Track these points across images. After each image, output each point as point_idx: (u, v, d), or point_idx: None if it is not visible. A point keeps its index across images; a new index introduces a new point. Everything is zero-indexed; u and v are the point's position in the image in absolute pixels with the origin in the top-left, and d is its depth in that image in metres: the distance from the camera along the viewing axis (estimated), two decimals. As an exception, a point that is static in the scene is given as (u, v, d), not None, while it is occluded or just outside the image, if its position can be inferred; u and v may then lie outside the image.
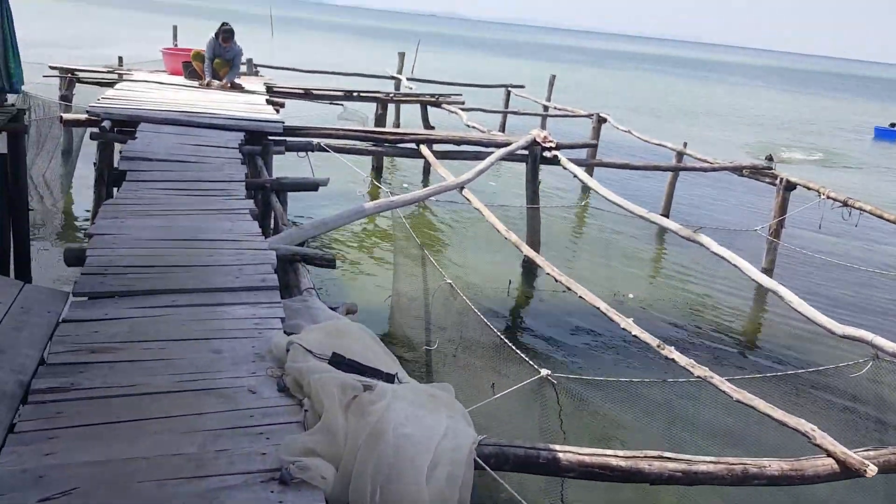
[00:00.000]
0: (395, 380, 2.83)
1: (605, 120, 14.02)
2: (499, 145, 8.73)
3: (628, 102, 33.08)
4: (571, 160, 8.66)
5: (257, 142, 7.55)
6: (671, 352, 4.06)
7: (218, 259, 3.96)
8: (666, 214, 11.83)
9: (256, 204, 6.86)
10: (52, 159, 10.37)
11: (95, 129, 7.13)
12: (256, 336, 3.19)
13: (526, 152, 8.61)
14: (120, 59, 15.91)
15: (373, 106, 13.63)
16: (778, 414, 3.31)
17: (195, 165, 6.01)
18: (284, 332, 3.27)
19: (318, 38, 65.92)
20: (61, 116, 7.43)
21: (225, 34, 10.44)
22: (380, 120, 13.33)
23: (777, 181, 9.77)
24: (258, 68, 15.82)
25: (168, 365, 2.89)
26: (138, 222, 4.46)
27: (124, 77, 11.49)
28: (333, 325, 3.16)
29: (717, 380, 3.71)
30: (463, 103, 13.00)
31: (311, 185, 6.45)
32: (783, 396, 4.40)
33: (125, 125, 7.31)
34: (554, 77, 16.89)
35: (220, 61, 10.52)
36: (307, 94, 12.36)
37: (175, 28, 17.63)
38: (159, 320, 3.25)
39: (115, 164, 6.62)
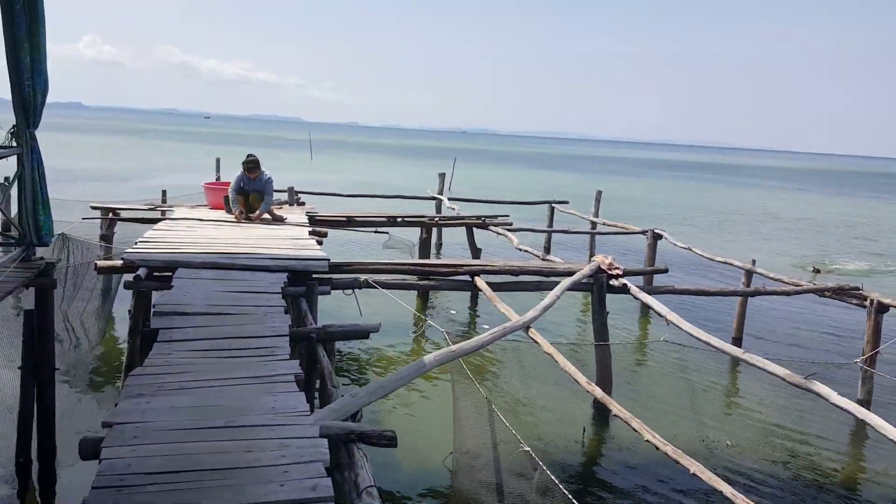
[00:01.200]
0: None
1: (660, 236, 13.34)
2: (560, 274, 8.06)
3: (660, 211, 32.43)
4: (640, 288, 7.92)
5: (301, 282, 7.01)
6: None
7: (258, 457, 3.23)
8: (738, 340, 10.88)
9: (300, 356, 6.21)
10: (89, 301, 10.00)
11: (130, 277, 6.68)
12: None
13: (590, 280, 7.90)
14: (164, 192, 16.00)
15: (416, 230, 13.19)
16: None
17: (235, 318, 5.41)
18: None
19: (355, 159, 68.03)
20: (96, 264, 7.01)
21: (250, 165, 10.23)
22: (424, 244, 12.86)
23: (867, 303, 8.84)
24: (299, 195, 15.69)
25: None
26: (167, 402, 3.79)
27: (165, 213, 11.31)
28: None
29: None
30: (510, 224, 12.49)
31: (362, 333, 5.79)
32: None
33: (162, 270, 6.86)
34: (600, 193, 16.42)
35: (255, 196, 10.26)
36: (350, 223, 12.01)
37: (218, 161, 17.83)
38: (183, 563, 2.49)
39: (150, 319, 6.08)
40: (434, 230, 14.99)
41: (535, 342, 6.22)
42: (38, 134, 6.07)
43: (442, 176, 18.27)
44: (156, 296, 6.53)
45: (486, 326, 10.73)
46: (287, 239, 8.69)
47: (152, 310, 5.50)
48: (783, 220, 33.61)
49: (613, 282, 7.92)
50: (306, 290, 6.85)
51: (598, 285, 7.91)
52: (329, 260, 7.34)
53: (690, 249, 12.57)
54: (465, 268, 7.78)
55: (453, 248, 17.31)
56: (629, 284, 7.80)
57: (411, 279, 7.74)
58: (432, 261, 7.97)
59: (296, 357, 5.97)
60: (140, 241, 7.76)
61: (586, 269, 7.82)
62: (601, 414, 7.72)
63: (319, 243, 9.25)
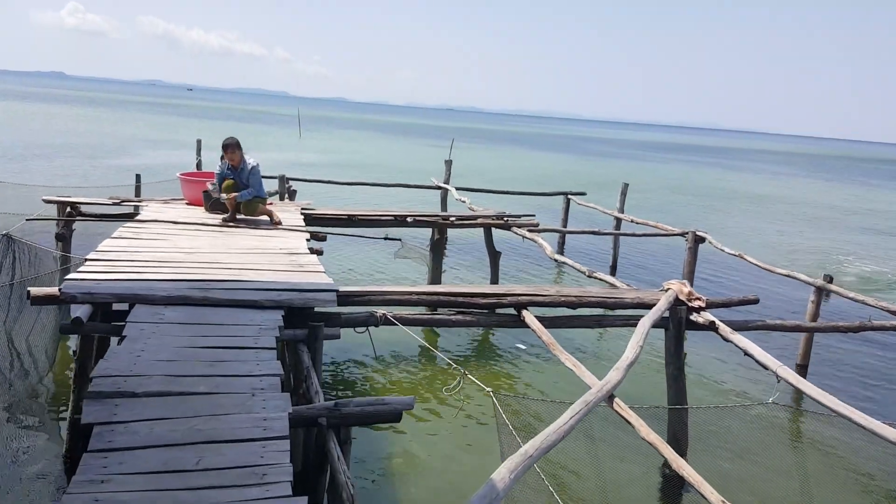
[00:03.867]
0: None
1: (702, 239, 11.70)
2: (627, 305, 6.39)
3: (646, 197, 30.18)
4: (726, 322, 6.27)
5: (302, 321, 5.30)
6: None
7: None
8: (803, 368, 9.28)
9: (302, 442, 4.53)
10: (37, 317, 8.22)
11: (75, 314, 4.95)
12: None
13: (665, 314, 6.24)
14: (138, 178, 14.17)
15: (426, 229, 11.46)
16: None
17: (208, 401, 3.69)
18: None
19: (345, 136, 65.58)
20: (29, 291, 5.26)
21: (226, 145, 8.51)
22: (437, 246, 11.14)
23: None
24: (291, 183, 13.91)
25: None
26: None
27: (138, 208, 9.52)
28: None
29: None
30: (536, 224, 10.80)
31: (391, 415, 4.10)
32: None
33: (114, 302, 5.15)
34: (627, 186, 14.70)
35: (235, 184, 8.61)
36: (351, 220, 10.24)
37: (199, 143, 15.88)
38: None
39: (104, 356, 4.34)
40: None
41: (621, 415, 4.57)
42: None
43: (448, 164, 16.47)
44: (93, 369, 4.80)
45: (522, 346, 9.06)
46: (281, 253, 6.94)
47: (88, 385, 3.77)
48: (778, 207, 31.49)
49: (695, 317, 6.28)
50: (308, 333, 5.15)
51: (676, 321, 6.25)
52: (337, 290, 5.61)
53: (741, 257, 10.94)
54: (509, 298, 6.08)
55: (461, 246, 15.53)
56: (717, 322, 6.15)
57: (443, 313, 6.03)
58: (467, 288, 6.24)
59: (296, 445, 4.31)
60: (91, 259, 6.01)
61: (663, 302, 6.16)
62: (672, 483, 6.09)
63: (319, 253, 7.54)
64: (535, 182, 30.00)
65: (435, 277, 10.98)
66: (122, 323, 4.80)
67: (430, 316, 5.99)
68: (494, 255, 11.25)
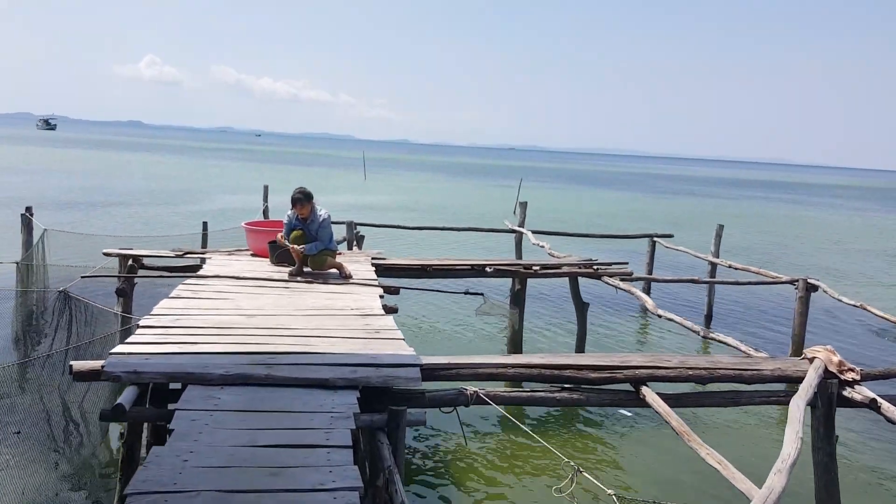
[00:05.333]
0: None
1: (815, 288, 10.40)
2: (766, 379, 5.31)
3: (731, 237, 27.61)
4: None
5: (379, 403, 4.46)
6: None
7: None
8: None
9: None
10: (89, 384, 7.66)
11: (115, 395, 4.26)
12: None
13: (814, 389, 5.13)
14: (205, 225, 13.84)
15: (505, 280, 10.57)
16: None
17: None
18: None
19: (408, 178, 65.66)
20: (72, 366, 4.61)
21: (296, 198, 7.81)
22: (518, 297, 10.22)
23: None
24: (358, 228, 13.31)
25: None
26: None
27: (203, 260, 9.01)
28: None
29: None
30: (630, 273, 9.76)
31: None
32: None
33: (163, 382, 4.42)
34: (721, 227, 13.49)
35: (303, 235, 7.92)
36: (425, 271, 9.47)
37: (266, 189, 15.50)
38: None
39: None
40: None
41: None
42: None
43: (523, 206, 15.61)
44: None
45: (627, 413, 7.99)
46: (353, 314, 6.15)
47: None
48: (869, 245, 29.03)
49: (849, 392, 5.15)
50: (389, 419, 4.29)
51: (826, 398, 5.14)
52: (421, 365, 4.75)
53: (864, 307, 9.65)
54: (623, 371, 5.09)
55: (538, 296, 14.45)
56: (879, 399, 5.01)
57: (542, 390, 5.08)
58: (573, 359, 5.29)
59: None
60: (143, 326, 5.34)
61: (812, 375, 5.06)
62: None
63: (394, 311, 6.74)
64: (605, 222, 28.83)
65: (517, 334, 10.03)
66: (173, 408, 4.06)
67: (529, 394, 5.03)
68: (582, 308, 10.23)
